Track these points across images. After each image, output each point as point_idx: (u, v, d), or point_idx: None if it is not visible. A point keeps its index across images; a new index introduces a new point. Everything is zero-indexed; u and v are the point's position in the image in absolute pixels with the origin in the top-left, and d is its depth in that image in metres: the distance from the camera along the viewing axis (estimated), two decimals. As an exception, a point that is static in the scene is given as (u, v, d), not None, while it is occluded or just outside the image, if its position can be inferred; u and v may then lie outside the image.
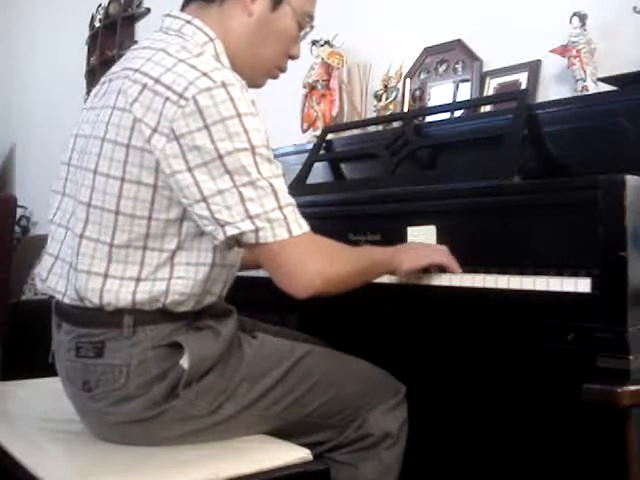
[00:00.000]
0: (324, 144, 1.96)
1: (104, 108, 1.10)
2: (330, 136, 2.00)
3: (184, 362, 1.07)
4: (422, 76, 2.13)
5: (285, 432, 1.19)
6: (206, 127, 1.01)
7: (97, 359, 1.09)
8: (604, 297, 1.05)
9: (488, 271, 1.20)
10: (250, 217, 1.02)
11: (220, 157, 1.01)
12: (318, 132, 2.21)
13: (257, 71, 1.23)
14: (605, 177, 1.08)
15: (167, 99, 1.02)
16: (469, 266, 1.24)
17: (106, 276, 1.07)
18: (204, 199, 1.02)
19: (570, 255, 1.14)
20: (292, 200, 1.07)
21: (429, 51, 2.12)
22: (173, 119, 1.02)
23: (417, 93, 2.12)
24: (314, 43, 2.34)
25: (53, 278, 1.16)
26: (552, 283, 1.10)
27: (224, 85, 1.03)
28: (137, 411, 1.09)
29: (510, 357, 1.48)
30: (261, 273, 1.60)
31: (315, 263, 1.07)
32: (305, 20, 1.25)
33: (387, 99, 2.16)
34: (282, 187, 1.06)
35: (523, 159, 1.43)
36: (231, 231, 1.03)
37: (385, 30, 2.30)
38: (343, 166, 1.96)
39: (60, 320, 1.15)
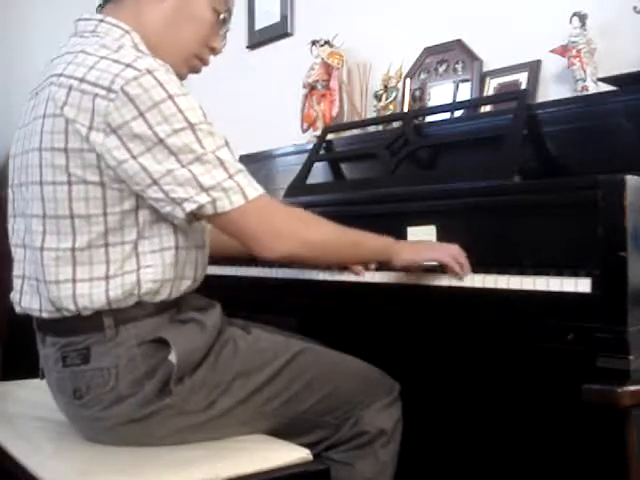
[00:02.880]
0: (324, 144, 1.96)
1: (35, 119, 1.10)
2: (330, 136, 2.00)
3: (172, 357, 1.07)
4: (422, 76, 2.12)
5: (282, 431, 1.19)
6: (141, 114, 1.02)
7: (84, 365, 1.08)
8: (604, 297, 1.05)
9: (488, 271, 1.20)
10: (205, 190, 1.04)
11: (161, 141, 1.02)
12: (318, 132, 2.21)
13: (176, 58, 1.21)
14: (605, 177, 1.08)
15: (96, 95, 1.03)
16: (469, 266, 1.24)
17: (74, 281, 1.07)
18: (155, 182, 1.03)
19: (570, 255, 1.14)
20: (241, 166, 1.08)
21: (429, 51, 2.12)
22: (106, 113, 1.02)
23: (417, 93, 2.12)
24: (314, 43, 2.35)
25: (25, 298, 1.16)
26: (552, 283, 1.10)
27: (149, 72, 1.04)
28: (131, 411, 1.08)
29: (510, 357, 1.47)
30: (261, 274, 1.60)
31: (280, 222, 1.10)
32: (220, 7, 1.24)
33: (387, 99, 2.16)
34: (228, 157, 1.07)
35: (523, 159, 1.43)
36: (189, 206, 1.04)
37: (385, 30, 2.30)
38: (343, 166, 1.96)
39: (43, 335, 1.15)
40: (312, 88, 2.35)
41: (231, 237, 1.11)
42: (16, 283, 1.18)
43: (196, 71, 1.27)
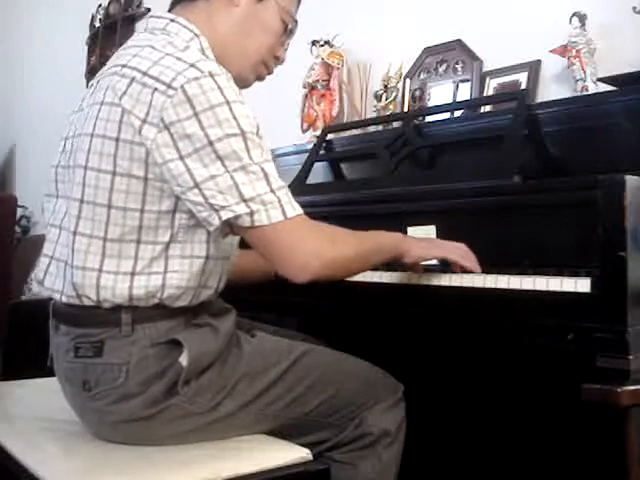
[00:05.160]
0: (324, 144, 1.96)
1: (93, 105, 1.11)
2: (330, 136, 2.00)
3: (183, 359, 1.08)
4: (422, 76, 2.13)
5: (285, 432, 1.19)
6: (195, 115, 1.02)
7: (96, 358, 1.09)
8: (604, 297, 1.05)
9: (488, 271, 1.20)
10: (244, 200, 1.03)
11: (211, 143, 1.02)
12: (318, 132, 2.21)
13: (244, 64, 1.23)
14: (605, 177, 1.08)
15: (155, 90, 1.04)
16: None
17: (100, 271, 1.07)
18: (197, 185, 1.03)
19: (570, 255, 1.14)
20: (283, 183, 1.08)
21: (429, 51, 2.12)
22: (162, 109, 1.03)
23: (417, 93, 2.12)
24: (314, 43, 2.35)
25: (49, 278, 1.16)
26: (552, 283, 1.10)
27: (211, 75, 1.04)
28: (137, 409, 1.09)
29: (510, 357, 1.48)
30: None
31: (312, 245, 1.08)
32: (288, 18, 1.26)
33: (387, 99, 2.16)
34: (273, 171, 1.07)
35: (523, 159, 1.43)
36: (226, 215, 1.04)
37: (385, 30, 2.30)
38: (343, 166, 1.96)
39: (58, 322, 1.15)
40: (312, 88, 2.35)
41: (260, 252, 1.10)
42: (42, 262, 1.18)
43: (261, 78, 1.29)
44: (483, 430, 1.60)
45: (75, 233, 1.09)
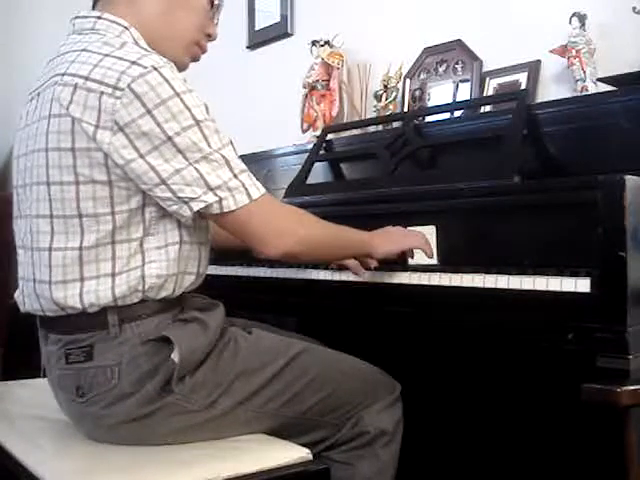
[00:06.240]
0: (324, 144, 1.96)
1: (40, 120, 1.10)
2: (330, 136, 2.00)
3: (174, 356, 1.08)
4: (422, 76, 2.12)
5: (282, 431, 1.19)
6: (148, 112, 1.02)
7: (88, 362, 1.09)
8: (604, 297, 1.05)
9: (488, 271, 1.20)
10: (212, 189, 1.06)
11: (169, 138, 1.03)
12: (318, 132, 2.21)
13: (177, 47, 1.21)
14: (605, 177, 1.08)
15: (102, 93, 1.03)
16: (469, 266, 1.24)
17: (82, 280, 1.07)
18: (163, 181, 1.04)
19: (570, 255, 1.14)
20: (244, 166, 1.10)
21: (429, 51, 2.12)
22: (113, 111, 1.02)
23: (417, 93, 2.12)
24: (314, 43, 2.35)
25: (27, 300, 1.16)
26: (552, 283, 1.10)
27: (155, 69, 1.04)
28: (133, 409, 1.09)
29: (509, 357, 1.48)
30: (261, 273, 1.60)
31: (282, 221, 1.13)
32: None
33: (387, 99, 2.16)
34: (232, 155, 1.09)
35: (523, 159, 1.43)
36: (197, 206, 1.06)
37: (385, 30, 2.30)
38: (343, 166, 1.96)
39: (46, 332, 1.15)
40: (312, 88, 2.35)
41: (234, 235, 1.13)
42: (20, 284, 1.19)
43: (196, 59, 1.27)
44: (482, 430, 1.60)
45: (50, 249, 1.08)
